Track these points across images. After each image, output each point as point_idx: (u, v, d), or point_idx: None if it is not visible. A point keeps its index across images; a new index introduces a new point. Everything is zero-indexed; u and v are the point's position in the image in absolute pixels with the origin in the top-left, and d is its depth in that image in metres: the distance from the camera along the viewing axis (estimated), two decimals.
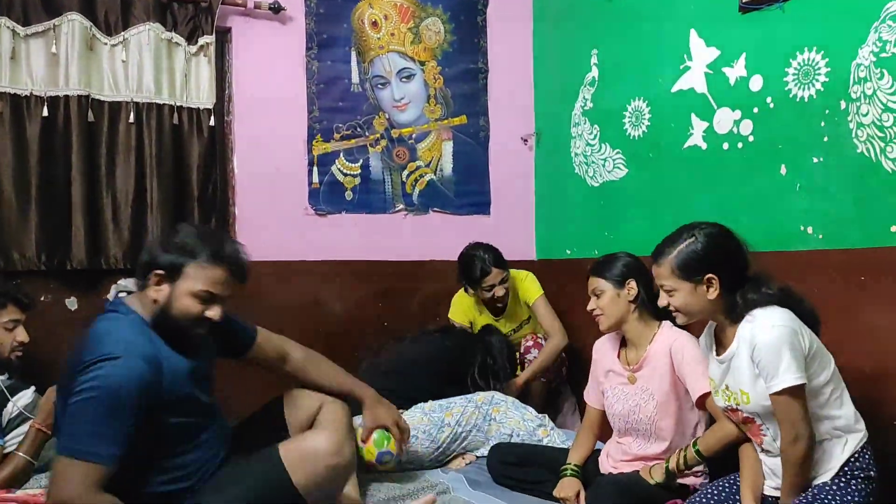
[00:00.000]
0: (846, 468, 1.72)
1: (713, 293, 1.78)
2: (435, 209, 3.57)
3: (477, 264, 3.04)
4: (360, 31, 3.44)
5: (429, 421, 2.62)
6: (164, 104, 3.05)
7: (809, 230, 2.27)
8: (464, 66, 3.63)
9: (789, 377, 1.65)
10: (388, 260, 3.45)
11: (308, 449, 1.90)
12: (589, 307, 2.23)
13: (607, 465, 2.27)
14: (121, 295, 2.89)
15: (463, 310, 3.26)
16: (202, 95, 3.11)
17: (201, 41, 3.10)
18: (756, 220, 2.45)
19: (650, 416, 2.15)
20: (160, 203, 3.03)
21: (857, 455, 1.73)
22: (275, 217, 3.30)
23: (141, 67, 3.02)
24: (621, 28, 3.10)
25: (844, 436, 1.74)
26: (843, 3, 2.16)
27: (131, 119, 2.99)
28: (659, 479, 2.08)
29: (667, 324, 2.19)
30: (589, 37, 3.29)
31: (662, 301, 1.87)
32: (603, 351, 2.33)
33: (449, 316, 3.28)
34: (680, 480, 2.11)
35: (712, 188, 2.63)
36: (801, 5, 2.30)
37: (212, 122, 3.12)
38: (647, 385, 2.16)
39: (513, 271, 3.18)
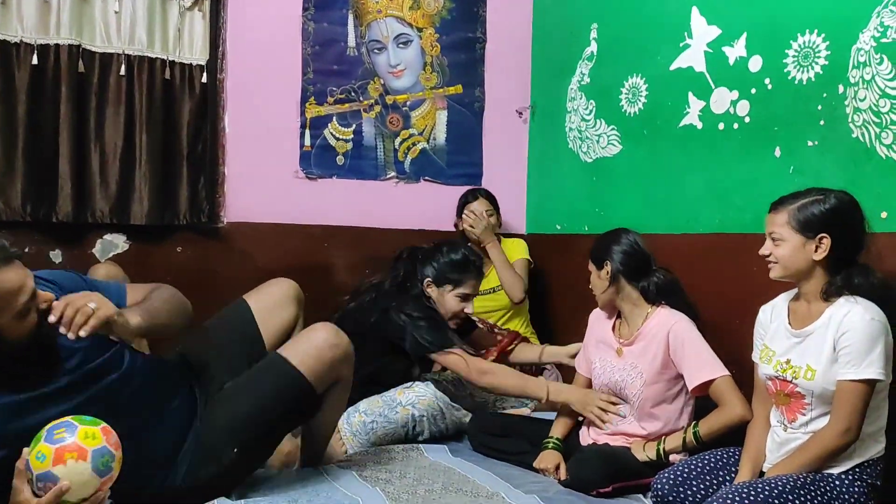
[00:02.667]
0: (857, 469, 1.73)
1: (820, 254, 1.74)
2: (426, 178, 3.55)
3: (467, 193, 3.33)
4: None
5: (382, 402, 2.51)
6: (155, 58, 3.00)
7: None
8: (462, 34, 3.59)
9: (873, 370, 1.65)
10: (378, 227, 3.43)
11: (310, 342, 1.92)
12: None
13: (587, 437, 2.29)
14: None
15: None
16: (195, 51, 3.06)
17: None
18: (749, 202, 2.46)
19: (636, 392, 2.16)
20: (148, 158, 2.99)
21: (870, 462, 1.74)
22: (264, 179, 3.27)
23: (134, 19, 2.96)
24: (622, 3, 3.07)
25: (867, 441, 1.74)
26: None
27: (122, 72, 2.94)
28: (651, 457, 2.11)
29: (664, 307, 2.19)
30: (589, 11, 3.26)
31: (765, 250, 1.83)
32: (598, 320, 2.34)
33: None
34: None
35: (706, 168, 2.63)
36: None
37: (204, 79, 3.07)
38: (636, 362, 2.18)
39: (505, 238, 3.30)
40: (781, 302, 1.93)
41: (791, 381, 1.78)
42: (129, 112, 2.96)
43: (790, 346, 1.82)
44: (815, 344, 1.75)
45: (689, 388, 2.12)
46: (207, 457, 1.84)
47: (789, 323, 1.85)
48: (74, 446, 1.43)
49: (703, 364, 2.09)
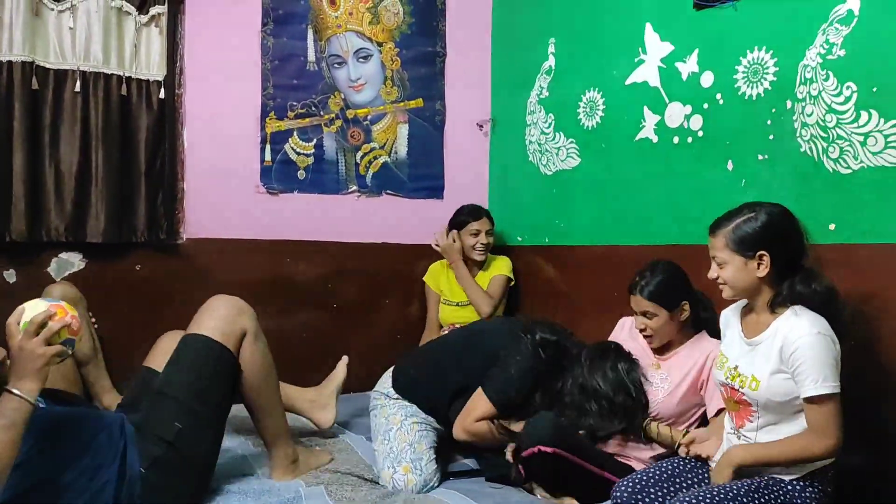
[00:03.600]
0: (809, 476, 1.77)
1: (763, 271, 1.78)
2: (388, 192, 3.55)
3: (471, 208, 3.38)
4: (317, 8, 3.40)
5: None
6: (112, 74, 2.96)
7: None
8: (422, 49, 3.61)
9: (830, 384, 1.68)
10: (340, 241, 3.43)
11: (203, 310, 2.12)
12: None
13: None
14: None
15: (437, 270, 3.45)
16: (152, 66, 3.03)
17: (153, 11, 3.02)
18: (702, 214, 2.49)
19: (655, 402, 2.22)
20: (105, 175, 2.95)
21: (821, 469, 1.77)
22: (225, 194, 3.25)
23: (89, 35, 2.92)
24: (579, 19, 3.12)
25: None
26: (792, 4, 2.22)
27: (77, 88, 2.89)
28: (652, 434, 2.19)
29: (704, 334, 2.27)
30: (547, 26, 3.31)
31: (712, 273, 1.87)
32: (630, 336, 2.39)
33: (425, 279, 3.46)
34: (626, 461, 2.18)
35: (662, 181, 2.68)
36: (752, 4, 2.35)
37: (162, 95, 3.04)
38: (667, 374, 2.24)
39: (492, 254, 3.44)
40: (737, 308, 1.98)
41: (739, 390, 1.83)
42: (84, 129, 2.92)
43: (741, 353, 1.86)
44: (762, 354, 1.79)
45: (710, 414, 2.19)
46: (151, 440, 1.91)
47: (742, 331, 1.90)
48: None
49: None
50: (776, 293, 1.80)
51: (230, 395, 2.11)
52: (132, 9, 2.99)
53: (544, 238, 3.31)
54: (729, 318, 1.98)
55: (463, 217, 3.36)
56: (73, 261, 2.97)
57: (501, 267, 3.39)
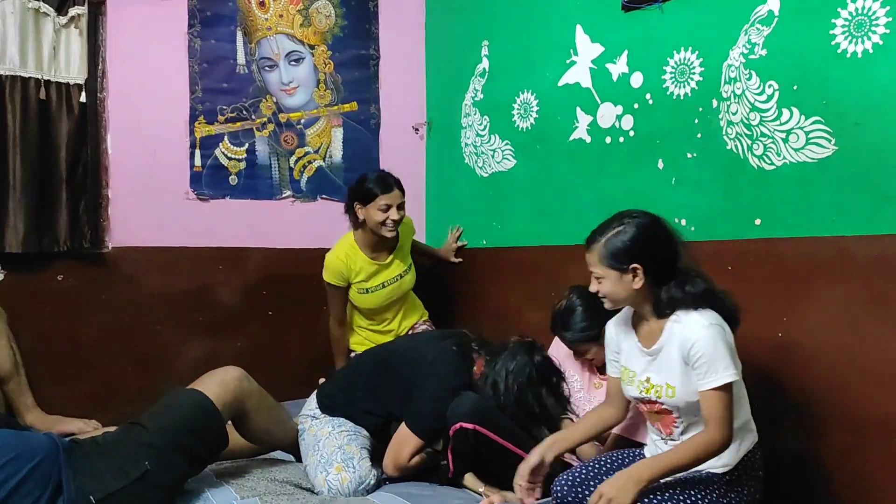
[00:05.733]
0: (740, 465, 1.79)
1: (638, 283, 1.79)
2: (323, 196, 3.50)
3: (380, 178, 2.89)
4: (246, 10, 3.33)
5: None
6: (29, 77, 2.84)
7: (683, 222, 2.36)
8: (355, 51, 3.58)
9: (727, 374, 1.70)
10: (274, 247, 3.36)
11: (213, 375, 2.13)
12: None
13: None
14: None
15: (339, 260, 2.96)
16: (72, 69, 2.92)
17: (72, 12, 2.91)
18: None
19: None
20: (23, 183, 2.82)
21: (749, 455, 1.80)
22: (153, 201, 3.15)
23: (4, 37, 2.81)
24: (511, 21, 3.13)
25: (740, 434, 1.79)
26: (716, 6, 2.27)
27: None
28: None
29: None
30: (480, 28, 3.31)
31: (593, 287, 1.87)
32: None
33: (324, 277, 3.01)
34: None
35: (596, 180, 2.71)
36: (678, 6, 2.39)
37: (83, 99, 2.93)
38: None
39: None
40: (624, 320, 1.98)
41: (656, 401, 1.84)
42: (0, 134, 2.79)
43: (646, 364, 1.87)
44: (666, 360, 1.81)
45: None
46: (111, 471, 1.86)
47: (640, 342, 1.91)
48: None
49: None
50: (655, 302, 1.82)
51: (203, 462, 2.10)
52: (50, 10, 2.88)
53: (482, 240, 3.31)
54: (619, 332, 1.98)
55: (368, 188, 2.88)
56: None
57: (408, 233, 3.14)
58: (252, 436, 2.29)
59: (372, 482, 2.19)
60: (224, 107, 3.29)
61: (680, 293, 1.78)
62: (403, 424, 2.23)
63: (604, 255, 1.81)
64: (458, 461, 2.16)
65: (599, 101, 2.68)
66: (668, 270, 1.81)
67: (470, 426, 2.08)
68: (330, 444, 2.24)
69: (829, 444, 1.99)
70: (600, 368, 2.28)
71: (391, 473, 2.24)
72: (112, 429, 2.13)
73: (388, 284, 3.03)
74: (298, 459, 2.41)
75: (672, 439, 1.86)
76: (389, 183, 2.88)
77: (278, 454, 2.50)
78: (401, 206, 2.90)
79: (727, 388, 1.71)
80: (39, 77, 2.86)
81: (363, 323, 3.12)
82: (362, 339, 3.12)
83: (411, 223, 3.18)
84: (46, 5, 2.87)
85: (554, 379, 2.22)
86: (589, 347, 2.26)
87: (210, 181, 3.27)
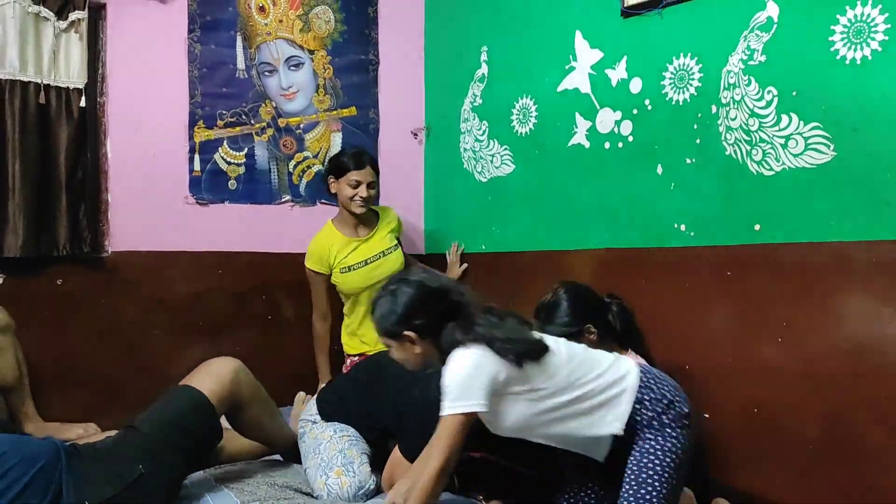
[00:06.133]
0: (643, 416, 1.73)
1: (417, 348, 1.79)
2: (323, 201, 3.50)
3: (353, 154, 3.00)
4: (246, 15, 3.33)
5: None
6: (29, 82, 2.84)
7: (682, 228, 2.38)
8: (354, 56, 3.58)
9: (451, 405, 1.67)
10: (274, 252, 3.36)
11: (208, 367, 2.15)
12: None
13: None
14: None
15: (318, 243, 3.04)
16: (72, 74, 2.92)
17: (72, 16, 2.90)
18: (634, 218, 2.55)
19: None
20: (23, 187, 2.82)
21: (641, 403, 1.74)
22: (152, 205, 3.14)
23: (4, 41, 2.80)
24: (510, 27, 3.14)
25: (609, 391, 1.74)
26: (715, 12, 2.28)
27: None
28: None
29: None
30: (479, 34, 3.32)
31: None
32: None
33: (306, 265, 3.07)
34: None
35: (595, 186, 2.71)
36: (677, 12, 2.40)
37: (82, 103, 2.93)
38: None
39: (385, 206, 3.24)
40: None
41: None
42: (0, 139, 2.79)
43: None
44: None
45: None
46: (105, 477, 1.85)
47: None
48: None
49: None
50: (440, 353, 1.78)
51: (198, 460, 2.11)
52: (51, 14, 2.88)
53: (481, 245, 3.32)
54: None
55: (342, 161, 3.00)
56: None
57: (391, 225, 3.15)
58: (245, 428, 2.28)
59: (372, 487, 2.19)
60: (223, 111, 3.29)
61: (451, 337, 1.73)
62: (396, 448, 2.17)
63: (380, 333, 1.84)
64: (463, 480, 2.15)
65: (598, 107, 2.69)
66: (445, 322, 1.75)
67: (477, 454, 2.05)
68: (331, 448, 2.23)
69: (829, 447, 2.00)
70: None
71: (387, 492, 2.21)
72: (112, 433, 2.12)
73: (370, 262, 3.05)
74: (292, 461, 2.41)
75: None
76: (363, 160, 2.99)
77: (277, 458, 2.50)
78: (371, 185, 2.99)
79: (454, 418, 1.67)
80: (39, 81, 2.86)
81: (358, 330, 3.12)
82: (358, 343, 3.13)
83: (395, 216, 3.23)
84: (47, 10, 2.87)
85: None
86: None
87: (209, 186, 3.27)
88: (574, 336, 2.09)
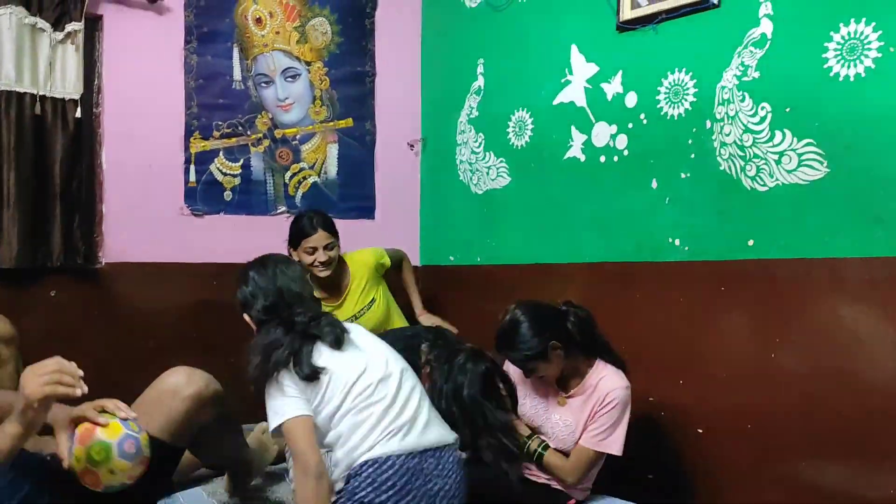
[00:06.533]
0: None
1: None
2: None
3: (304, 222, 2.87)
4: (242, 26, 3.34)
5: None
6: (24, 93, 2.83)
7: (677, 242, 2.38)
8: (351, 68, 3.59)
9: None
10: None
11: (159, 390, 2.06)
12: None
13: None
14: None
15: None
16: (68, 85, 2.92)
17: (69, 28, 2.90)
18: (629, 232, 2.56)
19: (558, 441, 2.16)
20: (17, 198, 2.81)
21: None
22: (147, 217, 3.13)
23: (0, 53, 2.80)
24: (507, 40, 3.15)
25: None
26: (710, 28, 2.29)
27: None
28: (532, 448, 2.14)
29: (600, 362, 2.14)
30: (476, 46, 3.33)
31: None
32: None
33: None
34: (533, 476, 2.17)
35: (590, 199, 2.72)
36: (672, 28, 2.41)
37: (78, 114, 2.93)
38: (570, 419, 2.14)
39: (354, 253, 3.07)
40: None
41: None
42: None
43: None
44: None
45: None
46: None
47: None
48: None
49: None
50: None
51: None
52: (47, 25, 2.88)
53: (476, 257, 3.32)
54: None
55: (294, 230, 2.89)
56: None
57: (375, 253, 3.05)
58: (200, 453, 2.22)
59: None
60: (220, 122, 3.29)
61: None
62: None
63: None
64: None
65: (594, 121, 2.70)
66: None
67: None
68: None
69: (823, 463, 1.99)
70: (559, 383, 2.18)
71: None
72: None
73: (359, 315, 2.97)
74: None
75: None
76: (314, 224, 2.85)
77: (274, 468, 2.48)
78: (329, 247, 2.85)
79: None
80: (35, 92, 2.85)
81: None
82: None
83: (366, 260, 3.05)
84: (43, 21, 2.87)
85: (498, 388, 2.08)
86: (537, 365, 2.10)
87: (205, 197, 3.27)
88: (541, 357, 2.06)
